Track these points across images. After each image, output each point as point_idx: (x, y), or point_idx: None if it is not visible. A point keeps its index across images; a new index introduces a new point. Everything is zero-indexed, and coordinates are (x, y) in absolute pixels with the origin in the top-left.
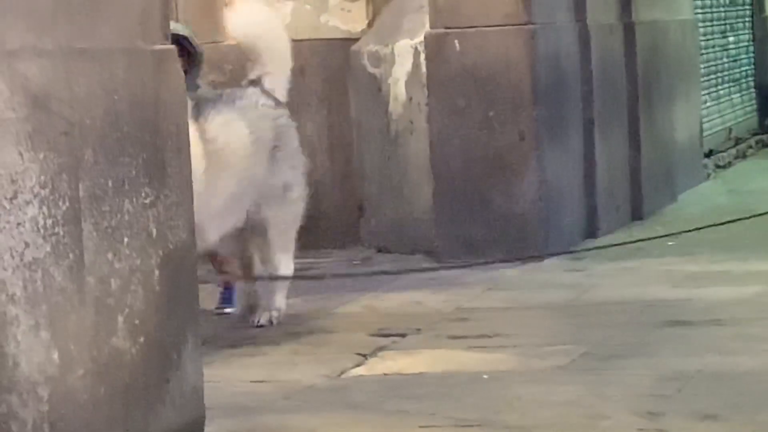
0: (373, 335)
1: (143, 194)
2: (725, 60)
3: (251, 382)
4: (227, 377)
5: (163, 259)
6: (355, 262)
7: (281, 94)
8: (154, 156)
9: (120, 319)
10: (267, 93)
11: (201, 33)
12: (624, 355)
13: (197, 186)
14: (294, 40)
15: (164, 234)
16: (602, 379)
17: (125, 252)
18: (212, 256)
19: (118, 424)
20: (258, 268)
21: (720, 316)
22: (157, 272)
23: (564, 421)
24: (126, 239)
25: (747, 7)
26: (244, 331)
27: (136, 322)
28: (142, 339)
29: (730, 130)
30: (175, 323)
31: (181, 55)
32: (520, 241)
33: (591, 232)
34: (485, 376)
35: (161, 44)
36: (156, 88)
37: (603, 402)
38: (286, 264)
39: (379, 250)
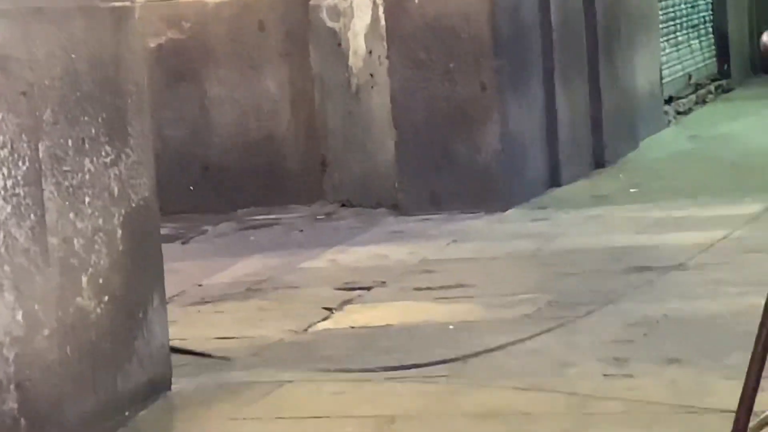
0: (338, 289)
1: (104, 153)
2: (683, 6)
3: (217, 338)
4: (194, 335)
5: (126, 219)
6: (318, 217)
7: None
8: (115, 115)
9: (84, 279)
10: None
11: None
12: (589, 303)
13: None
14: None
15: (126, 193)
16: (568, 327)
17: (87, 212)
18: None
19: (85, 384)
20: None
21: (684, 261)
22: (120, 231)
23: (531, 369)
24: (88, 199)
25: None
26: (209, 289)
27: (101, 281)
28: (106, 298)
29: (690, 76)
30: (140, 282)
31: None
32: (483, 192)
33: (554, 181)
34: (451, 327)
35: (119, 2)
36: (115, 46)
37: (569, 350)
38: None
39: (343, 205)
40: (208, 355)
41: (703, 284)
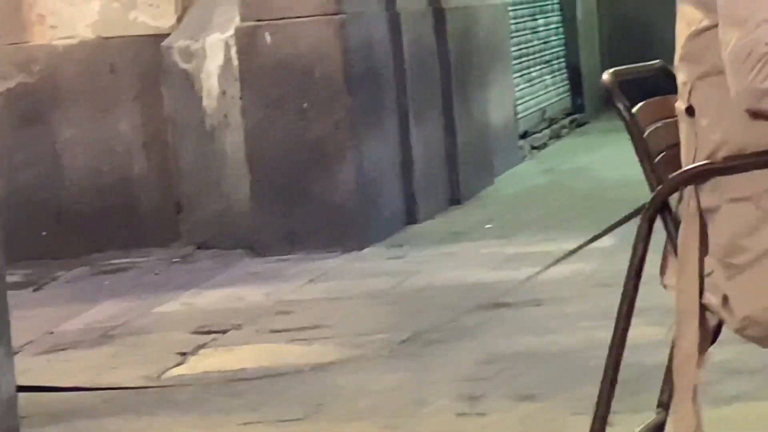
0: (193, 333)
1: None
2: (536, 42)
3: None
4: (44, 384)
5: None
6: (174, 260)
7: None
8: None
9: None
10: None
11: (7, 33)
12: (445, 340)
13: None
14: (104, 38)
15: None
16: (424, 364)
17: None
18: None
19: None
20: None
21: (538, 296)
22: None
23: (386, 409)
24: None
25: None
26: (61, 336)
27: None
28: None
29: (544, 111)
30: None
31: None
32: (340, 231)
33: (410, 218)
34: (307, 369)
35: None
36: None
37: (424, 388)
38: None
39: (199, 247)
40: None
41: (556, 318)
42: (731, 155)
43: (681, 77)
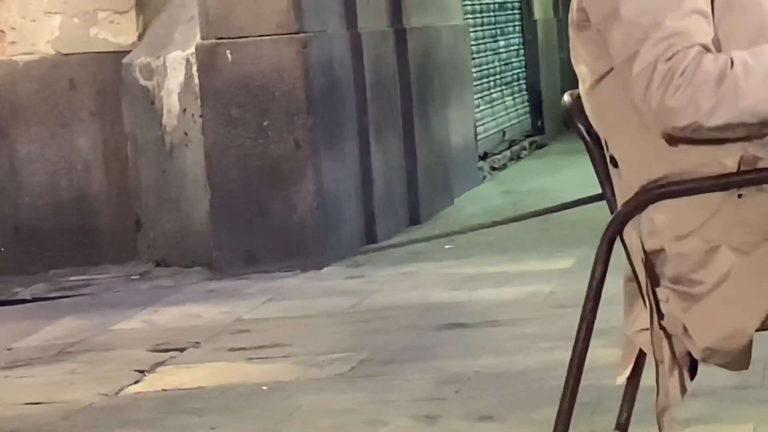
0: (151, 350)
1: None
2: (497, 64)
3: (26, 404)
4: (1, 401)
5: None
6: (133, 277)
7: None
8: None
9: None
10: None
11: None
12: (403, 360)
13: None
14: (63, 54)
15: None
16: (382, 384)
17: None
18: None
19: None
20: None
21: (497, 317)
22: None
23: (344, 428)
24: None
25: (516, 11)
26: (18, 352)
27: None
28: None
29: (504, 132)
30: None
31: None
32: (299, 250)
33: (370, 238)
34: (265, 388)
35: None
36: None
37: (382, 408)
38: None
39: (158, 264)
40: None
41: (514, 339)
42: (681, 180)
43: (599, 130)
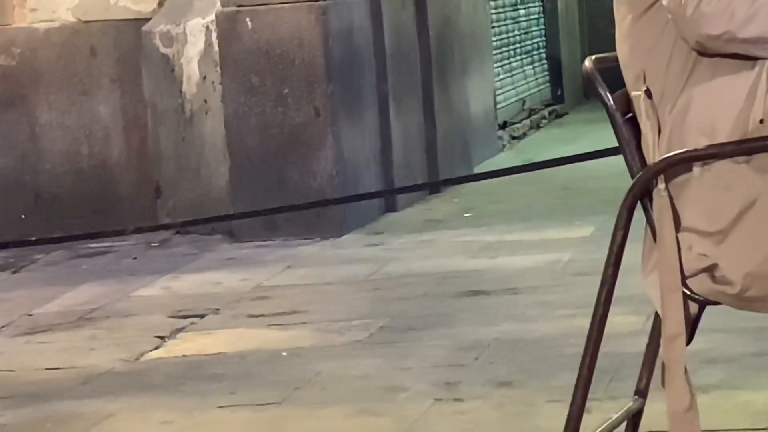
0: (171, 317)
1: None
2: (517, 32)
3: (47, 369)
4: (22, 365)
5: None
6: (153, 244)
7: None
8: None
9: None
10: None
11: None
12: (422, 327)
13: None
14: (84, 22)
15: None
16: (400, 351)
17: None
18: None
19: None
20: None
21: (516, 284)
22: None
23: (363, 394)
24: None
25: None
26: (39, 318)
27: None
28: None
29: (524, 101)
30: None
31: None
32: (318, 218)
33: (389, 206)
34: (284, 354)
35: None
36: None
37: (401, 374)
38: None
39: (178, 232)
40: None
41: (534, 307)
42: (713, 144)
43: (632, 71)
